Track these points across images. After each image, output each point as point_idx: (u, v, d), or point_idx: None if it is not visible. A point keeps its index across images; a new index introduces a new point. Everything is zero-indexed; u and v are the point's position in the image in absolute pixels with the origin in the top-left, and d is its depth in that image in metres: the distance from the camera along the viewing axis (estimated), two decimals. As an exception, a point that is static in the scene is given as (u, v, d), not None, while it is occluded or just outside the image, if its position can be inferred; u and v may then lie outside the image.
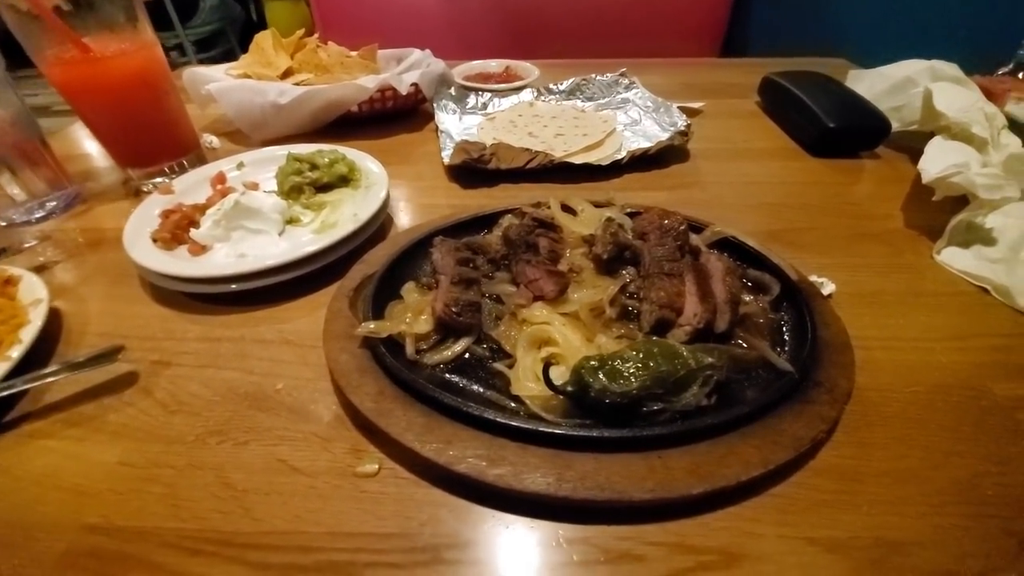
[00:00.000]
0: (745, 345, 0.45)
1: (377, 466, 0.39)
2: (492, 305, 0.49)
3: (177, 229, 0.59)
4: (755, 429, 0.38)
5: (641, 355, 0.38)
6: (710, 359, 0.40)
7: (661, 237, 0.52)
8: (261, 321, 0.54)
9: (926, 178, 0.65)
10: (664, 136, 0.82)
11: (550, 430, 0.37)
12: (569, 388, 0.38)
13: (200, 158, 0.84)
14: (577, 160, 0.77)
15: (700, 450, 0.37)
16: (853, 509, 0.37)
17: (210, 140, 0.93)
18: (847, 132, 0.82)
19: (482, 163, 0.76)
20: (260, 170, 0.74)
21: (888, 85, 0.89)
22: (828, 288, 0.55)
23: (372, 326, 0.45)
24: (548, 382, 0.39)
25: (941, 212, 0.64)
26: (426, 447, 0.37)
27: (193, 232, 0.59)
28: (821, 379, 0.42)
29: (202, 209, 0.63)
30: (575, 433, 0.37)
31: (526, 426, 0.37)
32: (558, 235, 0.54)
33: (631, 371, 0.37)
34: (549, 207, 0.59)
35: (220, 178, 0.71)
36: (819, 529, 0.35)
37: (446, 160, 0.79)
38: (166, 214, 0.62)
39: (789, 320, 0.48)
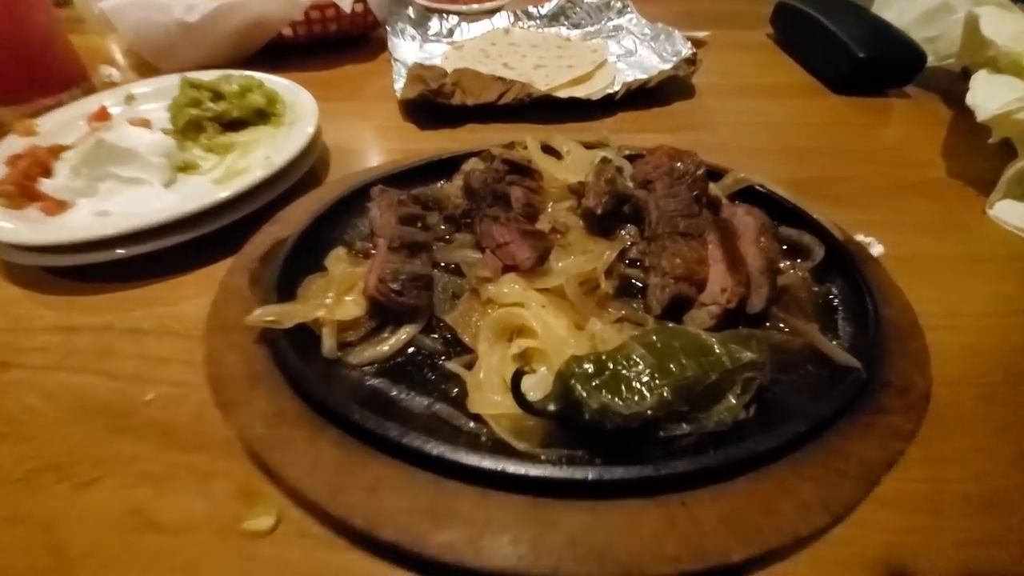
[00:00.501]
0: (786, 329, 0.34)
1: (274, 518, 0.27)
2: (447, 279, 0.38)
3: (25, 180, 0.45)
4: (810, 453, 0.28)
5: (656, 354, 0.26)
6: (748, 354, 0.28)
7: (672, 185, 0.40)
8: (137, 303, 0.41)
9: (982, 115, 0.55)
10: (666, 67, 0.68)
11: (523, 471, 0.25)
12: (552, 407, 0.26)
13: (89, 94, 0.67)
14: (562, 94, 0.66)
15: (737, 490, 0.26)
16: (933, 554, 0.28)
17: (108, 73, 0.77)
18: (878, 64, 0.72)
19: (443, 97, 0.62)
20: (157, 104, 0.57)
21: (920, 12, 0.79)
22: (876, 249, 0.45)
23: (273, 312, 0.32)
24: (520, 399, 0.27)
25: (991, 159, 0.56)
26: (338, 499, 0.25)
27: (45, 183, 0.44)
28: (890, 376, 0.31)
29: (60, 152, 0.47)
30: (560, 475, 0.25)
31: (487, 466, 0.25)
32: (536, 183, 0.44)
33: (644, 380, 0.25)
34: (525, 148, 0.47)
35: (101, 115, 0.56)
36: (892, 587, 0.26)
37: (399, 94, 0.64)
38: (13, 160, 0.46)
39: (838, 294, 0.37)
